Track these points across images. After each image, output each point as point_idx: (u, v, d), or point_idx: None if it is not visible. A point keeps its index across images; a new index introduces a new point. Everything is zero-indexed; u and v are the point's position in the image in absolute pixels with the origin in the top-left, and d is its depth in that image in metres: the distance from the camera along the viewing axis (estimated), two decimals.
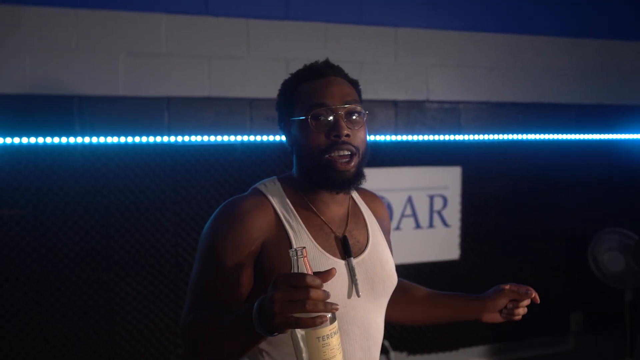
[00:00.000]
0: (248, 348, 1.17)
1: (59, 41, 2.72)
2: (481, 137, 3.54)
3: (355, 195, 1.55)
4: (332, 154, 1.35)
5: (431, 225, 3.44)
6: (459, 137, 3.49)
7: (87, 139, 2.74)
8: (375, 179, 3.26)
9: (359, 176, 1.39)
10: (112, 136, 2.78)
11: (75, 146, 2.73)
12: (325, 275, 1.10)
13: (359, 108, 1.39)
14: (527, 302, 1.63)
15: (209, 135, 2.95)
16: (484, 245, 3.60)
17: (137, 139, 2.82)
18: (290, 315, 1.02)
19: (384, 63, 3.31)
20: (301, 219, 1.39)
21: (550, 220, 3.76)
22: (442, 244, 3.49)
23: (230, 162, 2.98)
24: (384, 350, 3.36)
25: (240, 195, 1.44)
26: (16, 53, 2.66)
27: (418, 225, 3.41)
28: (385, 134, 3.31)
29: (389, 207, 3.32)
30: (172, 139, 2.88)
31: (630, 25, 3.85)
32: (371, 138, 3.23)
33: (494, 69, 3.56)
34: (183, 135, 2.90)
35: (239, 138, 2.99)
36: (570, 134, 3.75)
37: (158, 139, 2.86)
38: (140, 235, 2.85)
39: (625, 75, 3.85)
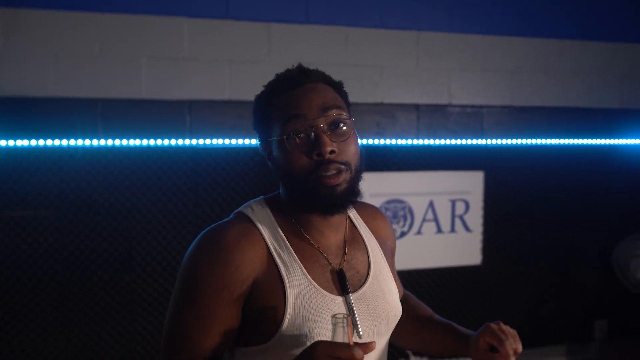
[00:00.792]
0: None
1: (83, 45, 2.76)
2: (504, 141, 3.50)
3: (353, 214, 1.36)
4: (318, 175, 1.16)
5: (453, 230, 3.41)
6: (482, 142, 3.46)
7: (110, 142, 2.77)
8: (397, 183, 3.24)
9: (352, 193, 1.21)
10: (135, 139, 2.81)
11: (99, 149, 2.76)
12: (366, 347, 1.00)
13: (343, 115, 1.20)
14: (506, 351, 1.28)
15: (230, 138, 2.96)
16: (507, 251, 3.56)
17: (159, 142, 2.84)
18: None
19: (406, 67, 3.30)
20: (294, 250, 1.21)
21: (575, 226, 3.70)
22: (464, 249, 3.45)
23: (251, 165, 2.99)
24: (404, 355, 3.34)
25: (224, 222, 1.25)
26: (41, 57, 2.70)
27: (439, 230, 3.39)
28: (406, 138, 3.30)
29: (410, 211, 3.30)
30: (194, 141, 2.90)
31: None
32: (393, 142, 3.23)
33: (517, 72, 3.52)
34: (204, 138, 2.92)
35: None
36: (596, 138, 3.70)
37: (180, 141, 2.88)
38: (162, 237, 2.87)
39: None
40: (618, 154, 3.74)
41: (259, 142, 1.29)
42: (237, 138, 2.96)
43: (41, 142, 2.68)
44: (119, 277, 2.83)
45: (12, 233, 2.68)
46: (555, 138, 3.61)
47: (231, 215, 1.28)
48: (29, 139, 2.67)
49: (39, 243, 2.71)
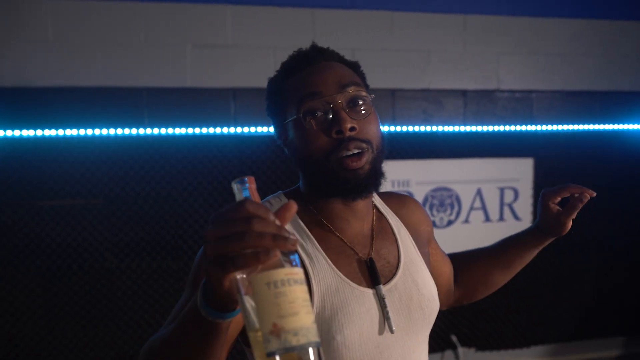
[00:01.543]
0: (205, 352, 0.85)
1: (128, 35, 2.77)
2: (555, 127, 3.39)
3: (379, 203, 1.29)
4: (339, 155, 1.09)
5: (501, 218, 3.34)
6: (531, 128, 3.36)
7: (155, 130, 2.79)
8: (444, 170, 3.18)
9: (376, 175, 1.13)
10: (180, 127, 2.82)
11: (145, 137, 2.78)
12: (283, 210, 0.75)
13: (362, 92, 1.12)
14: (570, 192, 1.35)
15: None
16: (557, 241, 3.45)
17: (204, 130, 2.84)
18: (225, 257, 0.71)
19: (452, 51, 3.22)
20: (317, 241, 1.14)
21: (629, 214, 3.57)
22: None
23: None
24: (451, 346, 3.29)
25: None
26: (88, 46, 2.73)
27: (487, 219, 3.31)
28: (453, 125, 3.23)
29: (457, 199, 3.23)
30: (239, 129, 2.89)
31: None
32: (440, 129, 3.16)
33: (568, 56, 3.40)
34: (249, 126, 2.91)
35: None
36: None
37: (225, 129, 2.88)
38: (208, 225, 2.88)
39: None
40: None
41: (274, 130, 1.22)
42: None
43: (89, 132, 2.71)
44: (166, 265, 2.85)
45: (62, 221, 2.73)
46: (607, 123, 3.49)
47: None
48: (78, 128, 2.70)
49: (88, 231, 2.75)
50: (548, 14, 3.36)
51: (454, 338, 3.28)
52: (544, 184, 3.37)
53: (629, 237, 3.59)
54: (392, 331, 1.11)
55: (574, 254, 3.50)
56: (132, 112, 2.79)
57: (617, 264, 3.58)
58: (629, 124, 3.52)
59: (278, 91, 1.18)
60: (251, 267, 0.71)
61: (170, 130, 2.81)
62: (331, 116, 1.09)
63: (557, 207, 1.35)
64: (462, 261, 1.49)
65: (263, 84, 3.06)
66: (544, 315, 3.49)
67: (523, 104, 3.37)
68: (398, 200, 1.33)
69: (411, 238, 1.26)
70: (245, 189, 0.77)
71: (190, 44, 2.85)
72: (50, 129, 2.68)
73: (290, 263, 0.73)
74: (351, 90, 1.11)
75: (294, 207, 0.76)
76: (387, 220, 1.26)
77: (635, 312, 3.64)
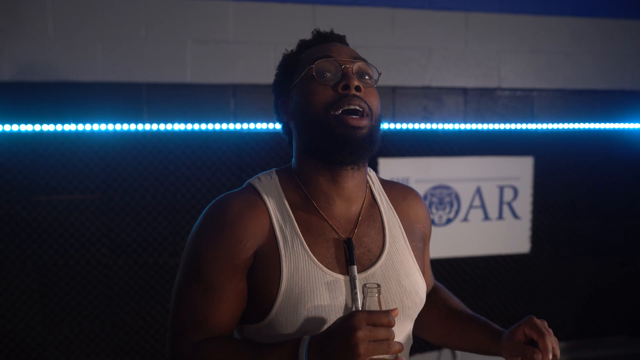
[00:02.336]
0: None
1: (129, 29, 2.76)
2: (555, 126, 3.38)
3: (377, 191, 1.29)
4: (341, 109, 1.12)
5: (500, 217, 3.33)
6: (532, 126, 3.35)
7: (155, 126, 2.77)
8: (443, 168, 3.17)
9: (371, 142, 1.14)
10: (180, 123, 2.81)
11: (144, 133, 2.77)
12: (394, 312, 1.02)
13: (370, 69, 1.18)
14: (545, 344, 1.14)
15: (274, 122, 2.93)
16: (557, 239, 3.46)
17: (203, 126, 2.83)
18: (379, 356, 0.95)
19: (454, 49, 3.21)
20: (297, 222, 1.16)
21: (629, 214, 3.57)
22: (512, 236, 3.37)
23: None
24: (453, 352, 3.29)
25: (231, 192, 1.22)
26: (88, 41, 2.71)
27: (487, 217, 3.30)
28: (454, 122, 3.21)
29: (457, 197, 3.22)
30: (238, 126, 2.88)
31: None
32: (440, 127, 3.15)
33: (570, 54, 3.39)
34: (249, 123, 2.89)
35: None
36: None
37: (224, 126, 2.86)
38: None
39: None
40: None
41: (276, 99, 1.27)
42: None
43: (87, 127, 2.70)
44: (163, 261, 2.84)
45: (60, 217, 2.72)
46: (608, 122, 3.48)
47: (243, 186, 1.25)
48: (76, 123, 2.69)
49: (86, 227, 2.74)
50: (550, 12, 3.35)
51: None
52: (544, 182, 3.37)
53: (630, 236, 3.58)
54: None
55: (573, 253, 3.49)
56: (131, 107, 2.78)
57: (617, 263, 3.57)
58: (629, 123, 3.51)
59: (291, 63, 1.23)
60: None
61: (169, 126, 2.80)
62: (340, 76, 1.14)
63: (523, 342, 1.18)
64: (437, 300, 1.41)
65: (263, 80, 3.07)
66: (542, 314, 3.48)
67: (524, 102, 3.36)
68: (402, 192, 1.32)
69: (403, 230, 1.25)
70: (377, 295, 1.01)
71: (191, 40, 2.83)
72: (48, 123, 2.66)
73: None
74: (361, 63, 1.17)
75: (396, 312, 1.03)
76: (378, 209, 1.25)
77: (636, 310, 3.64)
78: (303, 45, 1.25)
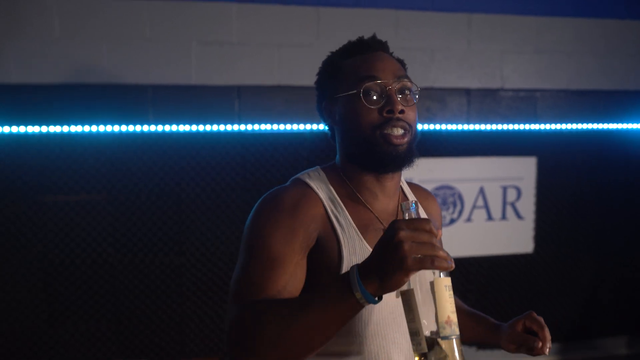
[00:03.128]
0: (331, 330, 1.01)
1: (134, 31, 2.78)
2: (559, 126, 3.39)
3: (406, 189, 1.43)
4: (386, 130, 1.23)
5: (504, 217, 3.34)
6: (535, 127, 3.36)
7: (160, 127, 2.80)
8: (447, 169, 3.18)
9: (411, 154, 1.27)
10: (185, 124, 2.83)
11: (149, 134, 2.79)
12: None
13: (411, 85, 1.29)
14: (542, 334, 1.34)
15: (278, 123, 2.95)
16: (560, 239, 3.46)
17: (208, 127, 2.85)
18: (423, 255, 0.92)
19: (457, 50, 3.22)
20: (349, 213, 1.27)
21: (632, 214, 3.57)
22: (515, 236, 3.38)
23: (299, 150, 2.98)
24: None
25: (282, 186, 1.31)
26: (93, 43, 2.73)
27: (490, 217, 3.32)
28: (457, 123, 3.23)
29: (460, 197, 3.24)
30: (243, 127, 2.90)
31: None
32: (443, 127, 3.17)
33: (573, 55, 3.40)
34: (253, 124, 2.92)
35: (308, 126, 2.99)
36: None
37: (229, 127, 2.88)
38: (211, 222, 2.89)
39: None
40: None
41: (320, 99, 1.37)
42: (285, 123, 2.95)
43: (94, 128, 2.73)
44: (169, 261, 2.86)
45: (66, 217, 2.74)
46: (611, 123, 3.48)
47: (288, 182, 1.33)
48: (82, 124, 2.72)
49: (92, 227, 2.77)
50: (553, 13, 3.36)
51: None
52: (547, 182, 3.38)
53: (632, 235, 3.59)
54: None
55: (576, 252, 3.50)
56: (136, 108, 2.80)
57: (620, 263, 3.58)
58: (633, 123, 3.51)
59: (335, 68, 1.32)
60: (431, 269, 0.92)
61: (174, 127, 2.82)
62: (384, 98, 1.24)
63: (522, 332, 1.35)
64: None
65: (267, 81, 3.10)
66: (545, 314, 3.48)
67: (527, 102, 3.37)
68: (423, 193, 1.48)
69: None
70: (416, 209, 1.01)
71: (196, 41, 2.86)
72: (55, 125, 2.69)
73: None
74: (405, 81, 1.27)
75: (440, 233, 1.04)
76: (405, 197, 1.42)
77: (637, 310, 3.65)
78: (347, 51, 1.33)
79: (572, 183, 3.45)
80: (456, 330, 0.96)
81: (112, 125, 2.75)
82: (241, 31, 2.90)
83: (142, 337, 2.85)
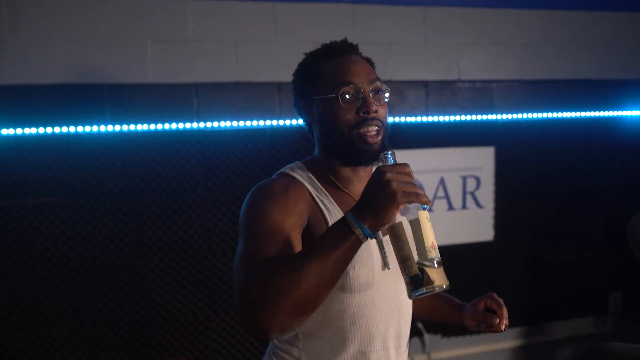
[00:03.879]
0: (336, 271, 1.13)
1: (88, 30, 2.73)
2: (515, 116, 3.46)
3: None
4: (362, 130, 1.37)
5: (464, 206, 3.40)
6: (492, 117, 3.42)
7: (117, 127, 2.76)
8: (407, 160, 3.19)
9: (383, 146, 1.41)
10: (143, 123, 2.80)
11: (107, 134, 2.75)
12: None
13: (383, 86, 1.42)
14: (500, 312, 1.54)
15: (238, 120, 2.94)
16: (519, 227, 3.54)
17: (167, 126, 2.83)
18: (409, 190, 1.09)
19: (414, 43, 3.25)
20: (332, 197, 1.42)
21: (587, 199, 3.68)
22: (476, 225, 3.44)
23: (260, 146, 2.98)
24: (417, 333, 3.35)
25: (269, 179, 1.44)
26: (46, 43, 2.68)
27: (451, 207, 3.37)
28: (416, 115, 3.27)
29: (421, 188, 3.27)
30: (202, 125, 2.89)
31: None
32: (402, 120, 3.20)
33: (528, 46, 3.47)
34: (212, 121, 2.90)
35: (268, 122, 2.98)
36: (607, 110, 3.65)
37: (188, 125, 2.86)
38: (172, 221, 2.87)
39: None
40: (630, 125, 3.70)
41: (297, 99, 1.49)
42: (245, 120, 2.95)
43: (49, 130, 2.68)
44: (130, 262, 2.83)
45: (24, 221, 2.69)
46: (566, 111, 3.57)
47: (273, 176, 1.47)
48: (37, 126, 2.66)
49: (50, 230, 2.72)
50: (507, 5, 3.41)
51: (419, 325, 3.33)
52: (505, 171, 3.45)
53: (589, 221, 3.69)
54: (388, 267, 1.38)
55: (534, 239, 3.58)
56: (93, 108, 2.76)
57: (577, 247, 3.68)
58: (587, 111, 3.61)
59: (312, 71, 1.45)
60: (415, 202, 1.10)
61: (132, 127, 2.79)
62: (360, 100, 1.38)
63: (483, 310, 1.58)
64: None
65: (225, 78, 3.08)
66: (508, 299, 3.55)
67: (483, 93, 3.43)
68: None
69: None
70: (393, 158, 1.19)
71: (151, 39, 2.82)
72: (8, 127, 2.63)
73: None
74: (377, 83, 1.41)
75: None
76: None
77: (591, 294, 3.76)
78: (322, 55, 1.45)
79: (529, 171, 3.53)
80: (439, 255, 1.13)
81: (68, 126, 2.70)
82: (198, 28, 2.88)
83: (107, 340, 2.82)
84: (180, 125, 2.85)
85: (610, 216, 3.72)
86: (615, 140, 3.67)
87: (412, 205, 1.14)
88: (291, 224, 1.31)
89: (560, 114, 3.55)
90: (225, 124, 2.92)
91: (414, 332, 3.33)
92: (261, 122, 2.97)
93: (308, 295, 1.12)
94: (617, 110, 3.67)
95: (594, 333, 3.76)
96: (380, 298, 1.40)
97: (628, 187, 3.73)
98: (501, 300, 1.54)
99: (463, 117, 3.36)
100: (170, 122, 2.83)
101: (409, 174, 1.13)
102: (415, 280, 1.12)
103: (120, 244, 2.81)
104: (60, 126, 2.69)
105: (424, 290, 1.11)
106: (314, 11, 3.05)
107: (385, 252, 1.38)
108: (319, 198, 1.40)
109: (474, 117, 3.38)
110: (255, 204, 1.35)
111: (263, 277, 1.14)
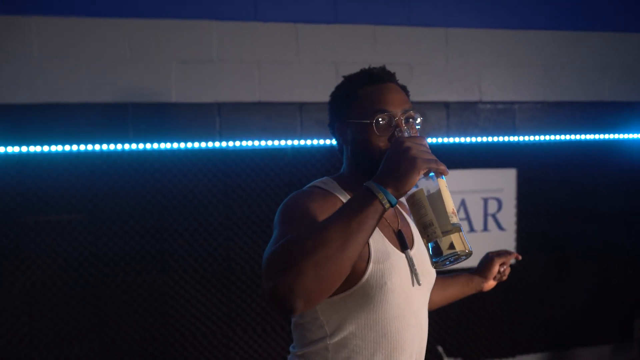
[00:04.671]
0: (361, 235, 1.13)
1: (115, 51, 2.79)
2: (537, 138, 3.44)
3: None
4: None
5: (485, 228, 3.37)
6: (514, 139, 3.40)
7: (141, 145, 2.80)
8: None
9: None
10: (166, 142, 2.83)
11: (130, 152, 2.79)
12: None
13: (417, 114, 1.47)
14: (510, 260, 1.80)
15: (259, 139, 2.97)
16: (542, 250, 3.49)
17: (189, 145, 2.86)
18: (429, 157, 1.13)
19: (435, 64, 3.26)
20: None
21: (612, 223, 3.62)
22: (497, 248, 3.35)
23: (280, 166, 2.99)
24: (438, 357, 3.31)
25: (301, 189, 1.48)
26: (74, 63, 2.74)
27: (472, 229, 3.34)
28: (437, 137, 3.26)
29: None
30: (224, 144, 2.91)
31: None
32: None
33: (550, 67, 3.46)
34: (234, 140, 2.93)
35: (289, 142, 3.00)
36: (630, 133, 3.61)
37: (210, 144, 2.89)
38: (194, 239, 2.89)
39: None
40: None
41: (333, 120, 1.53)
42: (266, 139, 2.97)
43: (74, 147, 2.72)
44: (152, 280, 2.85)
45: (47, 237, 2.73)
46: (589, 133, 3.54)
47: (304, 188, 1.49)
48: (63, 144, 2.71)
49: (73, 247, 2.75)
50: (528, 26, 3.42)
51: (440, 349, 3.29)
52: (527, 193, 3.42)
53: (608, 243, 3.63)
54: (419, 283, 1.43)
55: (557, 262, 3.53)
56: (117, 127, 2.80)
57: (602, 270, 3.62)
58: (609, 133, 3.57)
59: (349, 95, 1.48)
60: (434, 169, 1.14)
61: (155, 145, 2.82)
62: (393, 128, 1.41)
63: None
64: None
65: (247, 98, 3.11)
66: (531, 323, 3.51)
67: (505, 115, 3.42)
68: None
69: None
70: (410, 131, 1.27)
71: (176, 60, 2.87)
72: (35, 145, 2.68)
73: None
74: (411, 112, 1.44)
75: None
76: (402, 206, 1.63)
77: (615, 319, 3.68)
78: (359, 80, 1.49)
79: (551, 193, 3.50)
80: (459, 221, 1.16)
81: (93, 144, 2.74)
82: (221, 49, 2.92)
83: (127, 357, 2.83)
84: (203, 144, 2.88)
85: (635, 240, 3.66)
86: (638, 161, 3.62)
87: (431, 174, 1.16)
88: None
89: (583, 136, 3.52)
90: (247, 143, 2.94)
91: (434, 356, 3.29)
92: (282, 142, 2.99)
93: (332, 257, 1.10)
94: None
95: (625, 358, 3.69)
96: (409, 312, 1.43)
97: None
98: (505, 252, 1.81)
99: (484, 139, 3.35)
100: (192, 141, 2.87)
101: (426, 145, 1.17)
102: (438, 247, 1.14)
103: (141, 261, 2.83)
104: (86, 144, 2.73)
105: (448, 254, 1.14)
106: (336, 32, 3.08)
107: (415, 269, 1.41)
108: None
109: (495, 139, 3.37)
110: (294, 202, 1.38)
111: (288, 243, 1.14)
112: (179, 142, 2.85)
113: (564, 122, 3.51)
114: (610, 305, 3.66)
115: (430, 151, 1.15)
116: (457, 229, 1.14)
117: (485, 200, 3.36)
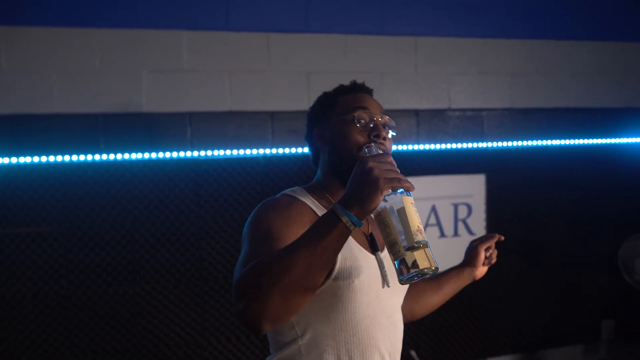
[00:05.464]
0: (326, 258, 1.16)
1: (84, 61, 2.77)
2: (505, 144, 3.51)
3: None
4: None
5: (456, 234, 3.41)
6: (482, 145, 3.46)
7: (112, 156, 2.78)
8: None
9: None
10: (137, 152, 2.82)
11: (101, 163, 2.77)
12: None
13: (392, 122, 1.52)
14: (493, 242, 1.81)
15: (231, 149, 2.97)
16: (511, 253, 3.55)
17: (160, 155, 2.85)
18: (391, 177, 1.12)
19: (405, 73, 3.31)
20: None
21: (579, 226, 3.70)
22: None
23: (253, 175, 3.00)
24: (407, 357, 3.34)
25: (273, 197, 1.50)
26: (44, 73, 2.71)
27: (442, 234, 3.39)
28: (407, 144, 3.30)
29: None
30: (195, 153, 2.91)
31: None
32: (393, 148, 3.23)
33: (517, 75, 3.53)
34: (206, 150, 2.93)
35: (261, 151, 3.01)
36: (596, 138, 3.70)
37: (182, 154, 2.89)
38: (165, 249, 2.88)
39: None
40: (619, 153, 3.75)
41: (311, 127, 1.59)
42: (238, 149, 2.97)
43: (44, 159, 2.69)
44: (123, 290, 2.83)
45: (16, 250, 2.69)
46: (556, 139, 3.62)
47: (276, 196, 1.52)
48: (32, 155, 2.68)
49: (43, 259, 2.72)
50: (496, 35, 3.48)
51: (413, 353, 3.33)
52: (497, 198, 3.48)
53: (576, 246, 3.71)
54: (389, 285, 1.44)
55: (525, 266, 3.59)
56: (88, 138, 2.78)
57: (568, 274, 3.69)
58: (575, 139, 3.65)
59: (330, 102, 1.56)
60: (398, 188, 1.14)
61: (126, 156, 2.81)
62: (372, 126, 1.47)
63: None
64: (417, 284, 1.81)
65: (219, 107, 3.12)
66: (500, 327, 3.56)
67: (474, 122, 3.47)
68: None
69: None
70: (376, 149, 1.30)
71: (146, 69, 2.86)
72: (3, 157, 2.65)
73: None
74: (388, 119, 1.51)
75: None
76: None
77: (583, 321, 3.76)
78: (340, 90, 1.58)
79: (520, 198, 3.56)
80: (425, 237, 1.15)
81: (63, 155, 2.72)
82: (192, 58, 2.92)
83: None
84: (174, 154, 2.88)
85: (602, 243, 3.74)
86: (606, 167, 3.71)
87: (397, 192, 1.16)
88: (294, 234, 1.33)
89: (550, 142, 3.60)
90: (218, 152, 2.94)
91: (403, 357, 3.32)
92: (254, 151, 3.00)
93: (297, 282, 1.15)
94: (607, 138, 3.72)
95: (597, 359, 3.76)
96: (380, 312, 1.45)
97: (620, 213, 3.76)
98: (488, 236, 1.82)
99: (454, 145, 3.40)
100: (164, 151, 2.86)
101: (391, 162, 1.17)
102: (404, 264, 1.14)
103: (113, 272, 2.81)
104: (55, 155, 2.71)
105: (412, 272, 1.13)
106: (307, 42, 3.10)
107: (385, 270, 1.44)
108: (318, 216, 1.43)
109: (464, 145, 3.42)
110: (260, 215, 1.40)
111: (255, 268, 1.17)
112: (150, 152, 2.84)
113: (531, 129, 3.58)
114: (578, 307, 3.73)
115: (395, 168, 1.16)
116: (422, 246, 1.13)
117: (455, 206, 3.41)
